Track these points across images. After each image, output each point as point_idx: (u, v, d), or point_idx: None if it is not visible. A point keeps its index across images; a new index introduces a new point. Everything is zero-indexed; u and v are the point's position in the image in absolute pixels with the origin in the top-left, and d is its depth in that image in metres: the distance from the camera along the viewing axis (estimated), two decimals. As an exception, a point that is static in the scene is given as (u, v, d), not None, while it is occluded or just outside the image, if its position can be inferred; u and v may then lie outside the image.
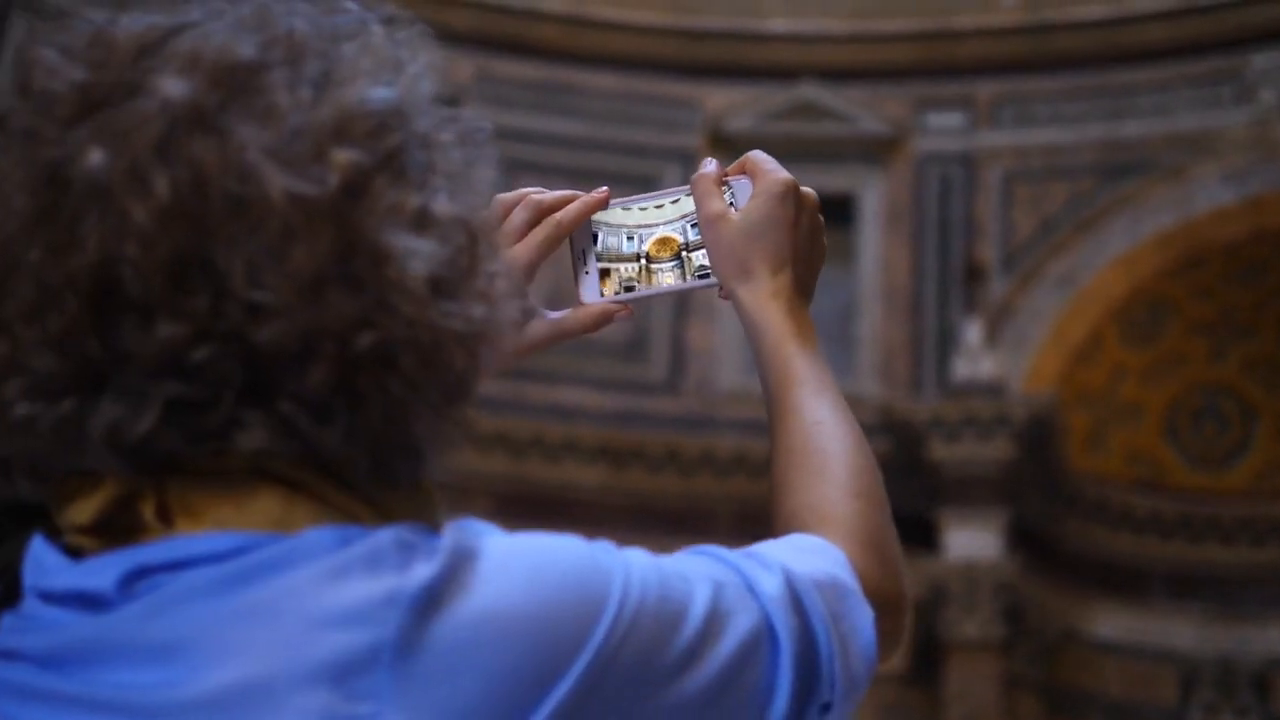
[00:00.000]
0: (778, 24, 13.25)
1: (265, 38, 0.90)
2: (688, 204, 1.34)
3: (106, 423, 0.86)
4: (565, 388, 12.36)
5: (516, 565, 0.88)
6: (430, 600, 0.84)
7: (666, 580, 0.93)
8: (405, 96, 0.93)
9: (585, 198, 1.35)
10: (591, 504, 12.03)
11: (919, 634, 11.68)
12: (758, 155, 1.32)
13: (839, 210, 12.95)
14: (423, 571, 0.84)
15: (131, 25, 0.90)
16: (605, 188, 1.37)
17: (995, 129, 12.99)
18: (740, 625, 0.95)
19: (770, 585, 0.99)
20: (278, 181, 0.86)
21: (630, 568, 0.92)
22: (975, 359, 12.02)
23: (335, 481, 0.90)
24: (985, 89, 12.98)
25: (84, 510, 0.88)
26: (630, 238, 1.35)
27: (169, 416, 0.86)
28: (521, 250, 1.33)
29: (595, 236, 1.36)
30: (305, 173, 0.87)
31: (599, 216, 1.36)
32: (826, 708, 1.00)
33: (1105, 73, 12.74)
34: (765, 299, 1.26)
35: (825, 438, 1.19)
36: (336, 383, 0.87)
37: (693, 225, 1.33)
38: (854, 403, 1.27)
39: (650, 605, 0.90)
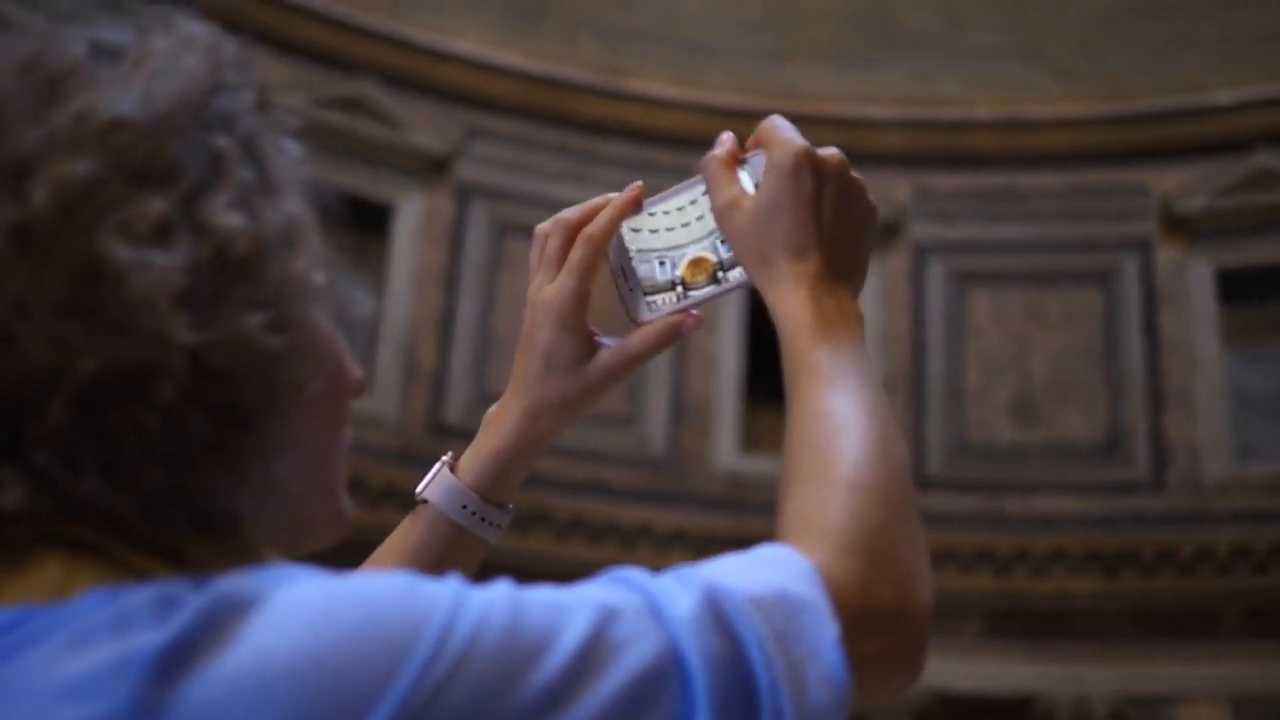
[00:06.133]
0: (1221, 95, 12.73)
1: (22, 64, 0.84)
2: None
3: None
4: (1045, 496, 12.03)
5: (301, 612, 0.77)
6: (173, 661, 0.74)
7: (523, 612, 0.80)
8: (166, 104, 0.86)
9: (615, 201, 1.25)
10: (1087, 613, 11.61)
11: None
12: (770, 123, 1.18)
13: (1315, 278, 12.26)
14: (170, 629, 0.75)
15: None
16: (639, 183, 1.27)
17: None
18: (634, 656, 0.81)
19: (681, 606, 0.84)
20: None
21: (465, 602, 0.80)
22: None
23: (125, 537, 0.82)
24: None
25: None
26: (662, 263, 1.24)
27: None
28: (564, 279, 1.24)
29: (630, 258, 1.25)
30: (13, 195, 0.81)
31: (630, 240, 1.25)
32: None
33: None
34: (788, 289, 1.13)
35: (829, 431, 1.03)
36: (77, 422, 0.80)
37: (723, 241, 1.22)
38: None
39: (490, 641, 0.78)
